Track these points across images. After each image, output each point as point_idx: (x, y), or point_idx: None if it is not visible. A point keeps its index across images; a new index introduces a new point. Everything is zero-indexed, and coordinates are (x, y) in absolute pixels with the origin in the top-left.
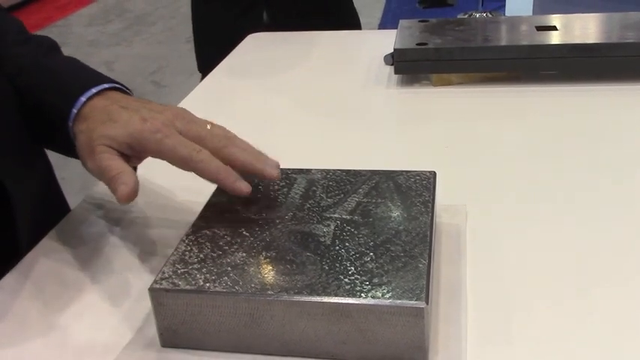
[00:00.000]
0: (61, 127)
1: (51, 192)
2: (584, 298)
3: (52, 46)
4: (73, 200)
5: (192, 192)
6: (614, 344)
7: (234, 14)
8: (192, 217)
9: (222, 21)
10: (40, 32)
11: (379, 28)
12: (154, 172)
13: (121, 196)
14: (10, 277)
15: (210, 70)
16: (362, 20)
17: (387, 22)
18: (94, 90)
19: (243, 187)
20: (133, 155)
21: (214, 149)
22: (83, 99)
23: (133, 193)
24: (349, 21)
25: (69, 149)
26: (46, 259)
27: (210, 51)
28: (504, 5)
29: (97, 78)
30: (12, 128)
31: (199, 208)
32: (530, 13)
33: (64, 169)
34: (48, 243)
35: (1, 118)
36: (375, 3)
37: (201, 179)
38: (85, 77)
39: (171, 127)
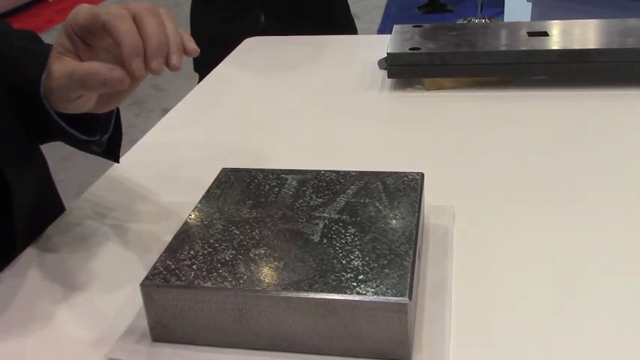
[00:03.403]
0: (34, 96)
1: (47, 192)
2: (569, 299)
3: (32, 37)
4: (71, 202)
5: (183, 192)
6: (597, 344)
7: (229, 16)
8: (184, 216)
9: (218, 23)
10: (40, 35)
11: (378, 34)
12: (146, 172)
13: (121, 80)
14: (5, 274)
15: (205, 71)
16: (361, 26)
17: (387, 27)
18: None
19: (119, 75)
20: (81, 49)
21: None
22: None
23: (128, 76)
24: (345, 27)
25: (45, 129)
26: (41, 257)
27: (206, 52)
28: (503, 11)
29: None
30: (9, 121)
31: (191, 208)
32: (529, 19)
33: (63, 171)
34: (43, 241)
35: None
36: (374, 9)
37: (193, 179)
38: None
39: None
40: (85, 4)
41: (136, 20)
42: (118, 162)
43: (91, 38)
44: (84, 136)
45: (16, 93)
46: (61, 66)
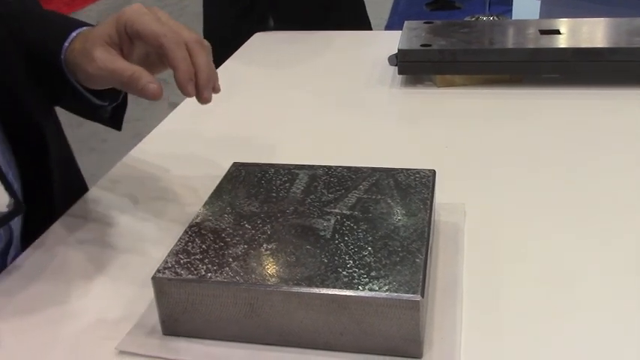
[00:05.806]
0: (53, 63)
1: (72, 171)
2: (580, 297)
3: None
4: None
5: (194, 186)
6: (611, 342)
7: (236, 14)
8: (195, 210)
9: (226, 20)
10: None
11: (386, 30)
12: (155, 166)
13: (155, 94)
14: (11, 268)
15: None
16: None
17: (394, 23)
18: (85, 28)
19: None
20: (125, 44)
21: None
22: (74, 34)
23: (161, 90)
24: (359, 27)
25: (57, 94)
26: (49, 251)
27: (214, 49)
28: (511, 9)
29: (89, 24)
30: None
31: (201, 202)
32: (537, 17)
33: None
34: (51, 235)
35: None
36: (382, 4)
37: (203, 173)
38: (77, 21)
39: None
40: (141, 6)
41: (188, 50)
42: (120, 130)
43: (138, 41)
44: (98, 101)
45: (31, 54)
46: (106, 56)
